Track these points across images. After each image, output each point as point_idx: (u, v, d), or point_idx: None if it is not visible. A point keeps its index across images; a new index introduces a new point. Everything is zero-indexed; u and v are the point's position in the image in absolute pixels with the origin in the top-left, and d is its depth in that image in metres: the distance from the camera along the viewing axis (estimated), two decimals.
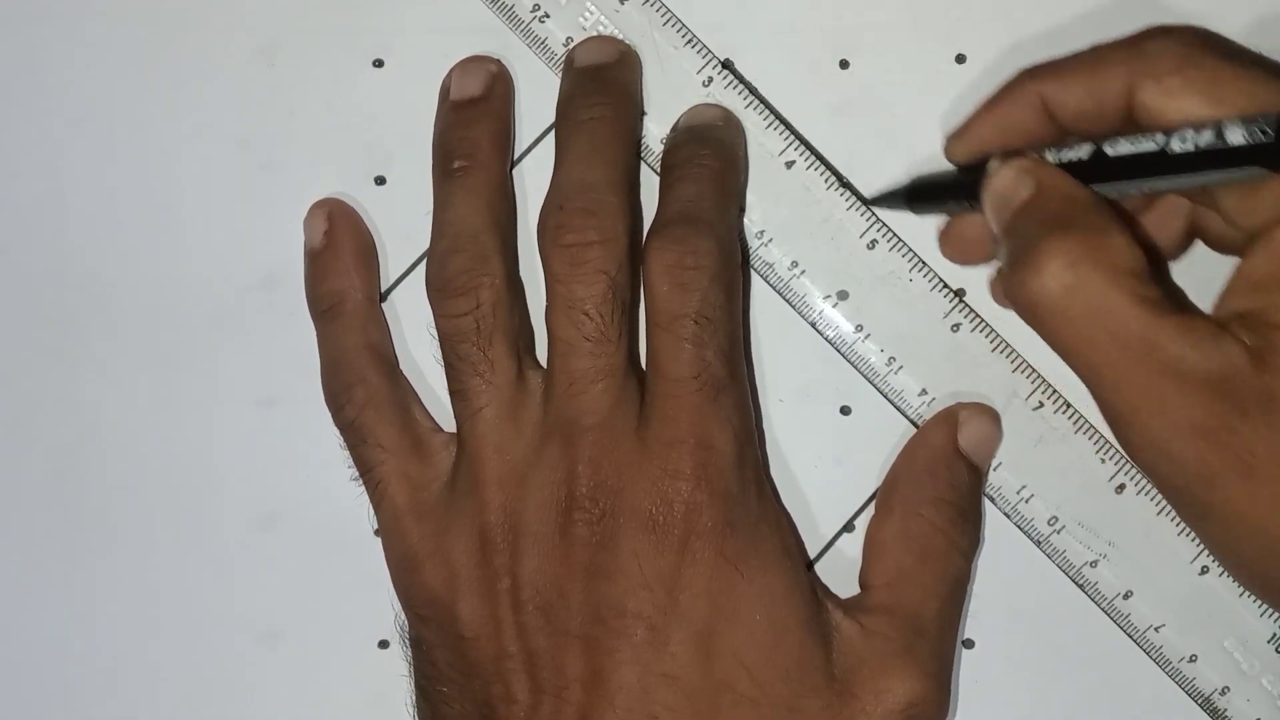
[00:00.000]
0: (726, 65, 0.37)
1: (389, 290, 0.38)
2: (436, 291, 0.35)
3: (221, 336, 0.38)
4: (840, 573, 0.37)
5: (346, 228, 0.37)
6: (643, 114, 0.37)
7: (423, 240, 0.37)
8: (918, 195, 0.36)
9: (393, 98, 0.38)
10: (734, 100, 0.37)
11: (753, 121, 0.37)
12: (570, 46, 0.37)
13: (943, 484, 0.35)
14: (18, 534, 0.38)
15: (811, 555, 0.37)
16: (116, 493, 0.38)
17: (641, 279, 0.34)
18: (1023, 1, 0.37)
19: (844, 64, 0.37)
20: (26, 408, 0.38)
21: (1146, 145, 0.31)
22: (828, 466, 0.37)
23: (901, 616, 0.34)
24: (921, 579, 0.35)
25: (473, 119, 0.37)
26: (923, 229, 0.37)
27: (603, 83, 0.36)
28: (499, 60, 0.37)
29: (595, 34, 0.37)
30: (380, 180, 0.38)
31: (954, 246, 0.36)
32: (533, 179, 0.37)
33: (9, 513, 0.38)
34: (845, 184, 0.37)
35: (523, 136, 0.38)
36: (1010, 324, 0.37)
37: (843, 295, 0.37)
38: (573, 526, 0.33)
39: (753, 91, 0.37)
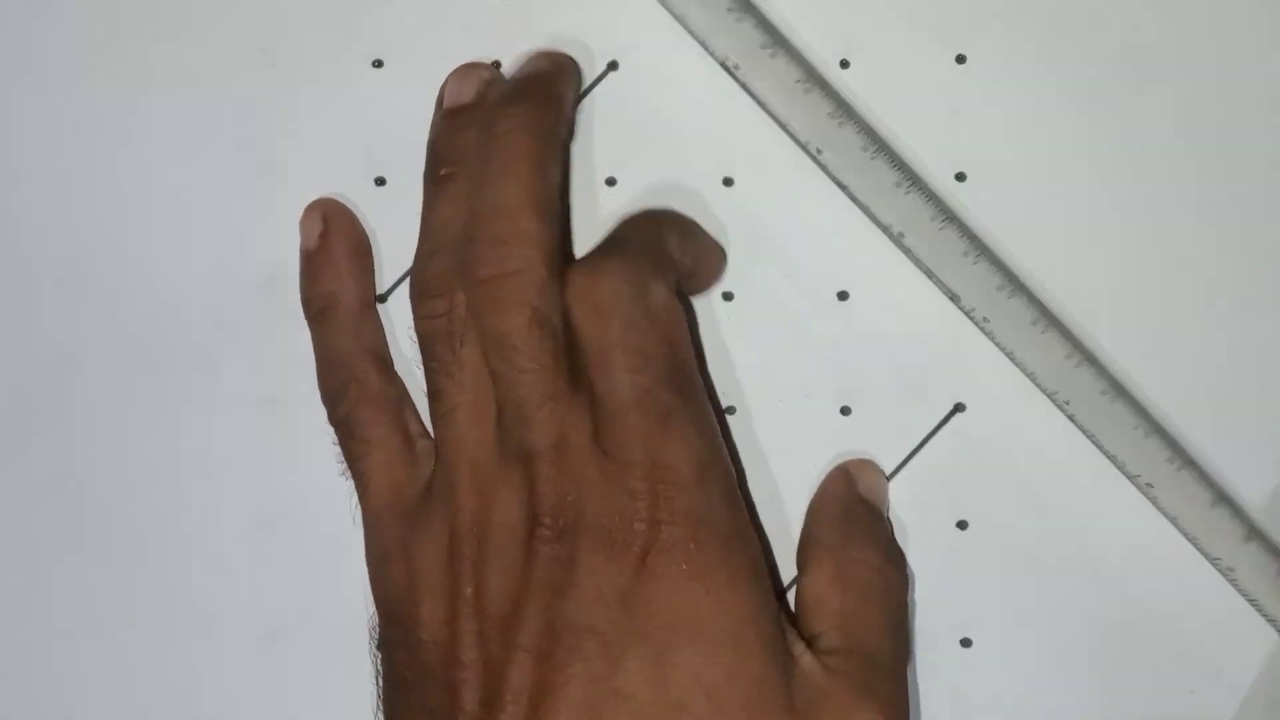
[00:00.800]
0: (726, 65, 0.37)
1: (388, 291, 0.38)
2: (416, 293, 0.35)
3: (221, 336, 0.38)
4: None
5: (341, 228, 0.37)
6: (571, 120, 0.37)
7: None
8: None
9: (393, 98, 0.38)
10: (737, 97, 0.37)
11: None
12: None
13: (862, 527, 0.36)
14: (17, 534, 0.38)
15: None
16: (116, 493, 0.38)
17: None
18: (1023, 1, 0.37)
19: (844, 64, 0.37)
20: (26, 407, 0.38)
21: None
22: (827, 466, 0.37)
23: (859, 654, 0.34)
24: (869, 618, 0.34)
25: (463, 125, 0.36)
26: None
27: (522, 92, 0.36)
28: (494, 67, 0.37)
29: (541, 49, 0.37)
30: (380, 181, 0.38)
31: None
32: None
33: (9, 513, 0.38)
34: (841, 187, 0.37)
35: None
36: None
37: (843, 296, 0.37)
38: (534, 543, 0.33)
39: (753, 93, 0.37)
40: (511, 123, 0.35)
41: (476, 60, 0.37)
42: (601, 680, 0.32)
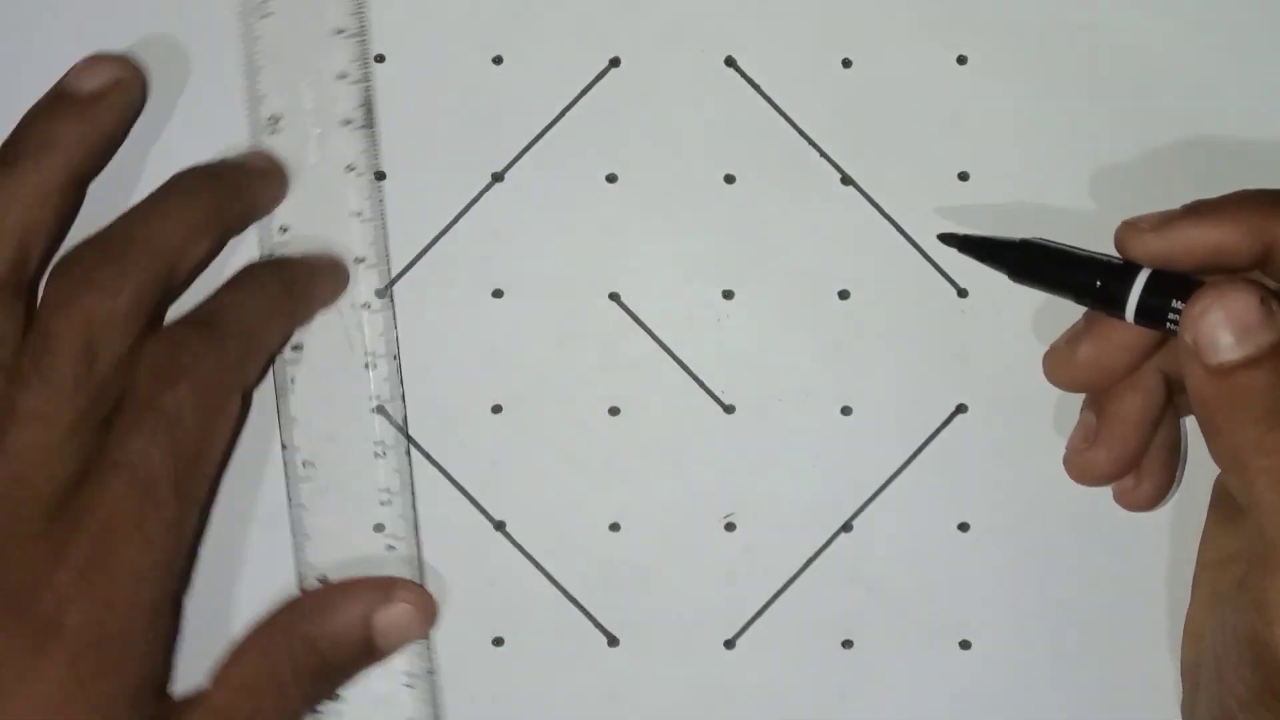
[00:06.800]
0: (729, 63, 0.37)
1: (388, 286, 0.38)
2: None
3: None
4: (838, 573, 0.37)
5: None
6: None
7: (423, 238, 0.37)
8: (1029, 264, 0.34)
9: (394, 93, 0.38)
10: (739, 95, 0.37)
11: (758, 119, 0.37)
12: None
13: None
14: None
15: (810, 554, 0.37)
16: None
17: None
18: (1024, 3, 0.37)
19: (846, 63, 0.37)
20: None
21: None
22: (828, 466, 0.37)
23: None
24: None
25: (62, 114, 0.34)
26: None
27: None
28: (137, 66, 0.36)
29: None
30: (380, 175, 0.38)
31: (1078, 368, 0.34)
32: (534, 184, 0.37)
33: None
34: (851, 181, 0.37)
35: (522, 137, 0.38)
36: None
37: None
38: None
39: (756, 89, 0.37)
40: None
41: (115, 55, 0.36)
42: None
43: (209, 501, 0.35)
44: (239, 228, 0.36)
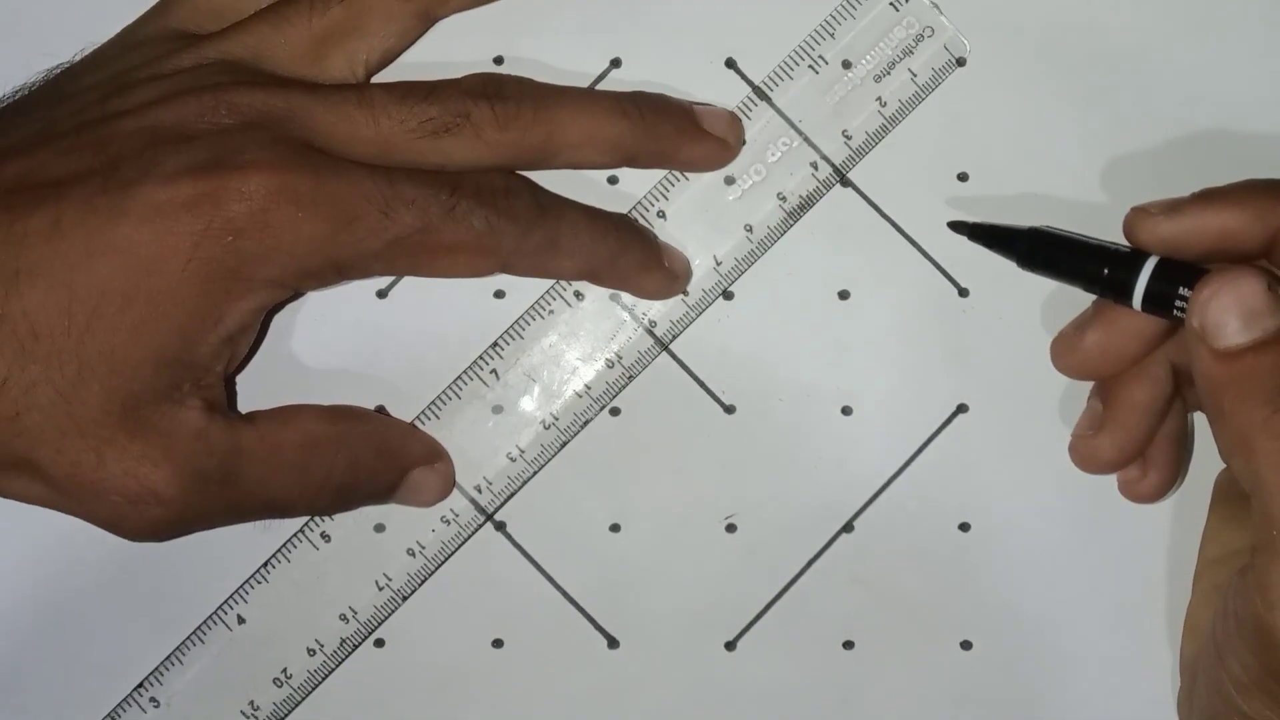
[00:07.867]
0: (729, 64, 0.37)
1: (389, 288, 0.38)
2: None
3: None
4: (839, 573, 0.37)
5: None
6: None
7: None
8: (1038, 251, 0.34)
9: None
10: (739, 96, 0.37)
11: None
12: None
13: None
14: (17, 531, 0.38)
15: (811, 555, 0.37)
16: None
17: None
18: (1023, 6, 0.37)
19: (845, 64, 0.37)
20: None
21: None
22: (828, 466, 0.37)
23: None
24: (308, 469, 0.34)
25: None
26: None
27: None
28: None
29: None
30: None
31: (1085, 355, 0.34)
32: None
33: (7, 511, 0.37)
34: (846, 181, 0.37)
35: None
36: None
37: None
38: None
39: (756, 90, 0.37)
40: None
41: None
42: None
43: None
44: (648, 164, 0.36)
